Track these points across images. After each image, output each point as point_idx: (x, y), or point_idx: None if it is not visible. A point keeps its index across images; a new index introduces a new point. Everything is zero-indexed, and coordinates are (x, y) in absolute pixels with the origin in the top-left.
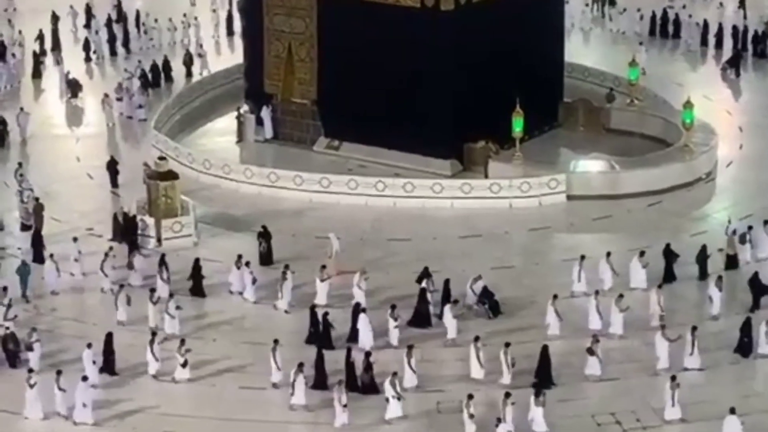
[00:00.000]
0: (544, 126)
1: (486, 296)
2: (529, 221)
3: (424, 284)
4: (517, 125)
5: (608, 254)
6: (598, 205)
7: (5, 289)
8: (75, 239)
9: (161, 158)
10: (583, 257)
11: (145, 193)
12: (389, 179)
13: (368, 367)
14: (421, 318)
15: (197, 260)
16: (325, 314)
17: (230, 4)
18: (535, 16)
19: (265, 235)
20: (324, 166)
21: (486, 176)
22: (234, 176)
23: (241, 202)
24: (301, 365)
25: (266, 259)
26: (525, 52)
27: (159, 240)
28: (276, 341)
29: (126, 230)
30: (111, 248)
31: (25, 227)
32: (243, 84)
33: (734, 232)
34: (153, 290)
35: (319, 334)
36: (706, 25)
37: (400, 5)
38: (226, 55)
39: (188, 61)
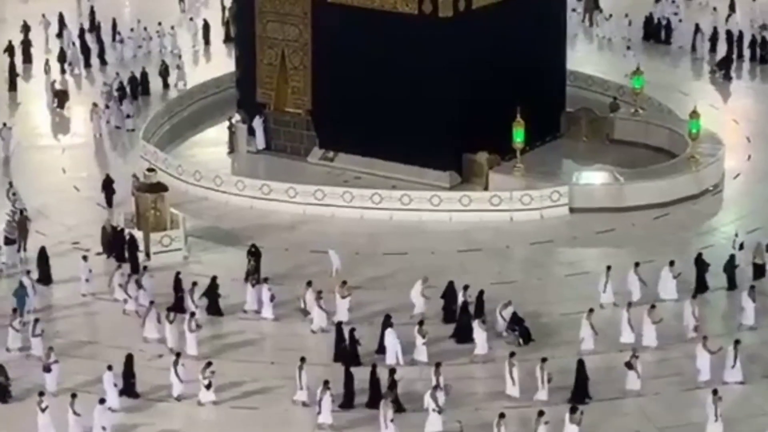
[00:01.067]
0: (545, 136)
1: (516, 323)
2: (530, 235)
3: (462, 297)
4: (518, 135)
5: (636, 264)
6: (601, 218)
7: (15, 311)
8: (85, 258)
9: (150, 170)
10: (609, 268)
11: (133, 205)
12: (386, 191)
13: (392, 384)
14: (463, 332)
15: (214, 278)
16: (352, 330)
17: (223, 11)
18: (537, 23)
19: (254, 254)
20: (318, 177)
21: (486, 188)
22: (225, 188)
23: (233, 215)
24: (326, 383)
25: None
26: (526, 60)
27: (147, 254)
28: (302, 359)
29: (114, 244)
30: (119, 266)
31: (8, 241)
32: (234, 93)
33: (759, 244)
34: (170, 309)
35: (346, 351)
36: (697, 29)
37: (397, 12)
38: (202, 66)
39: (164, 72)
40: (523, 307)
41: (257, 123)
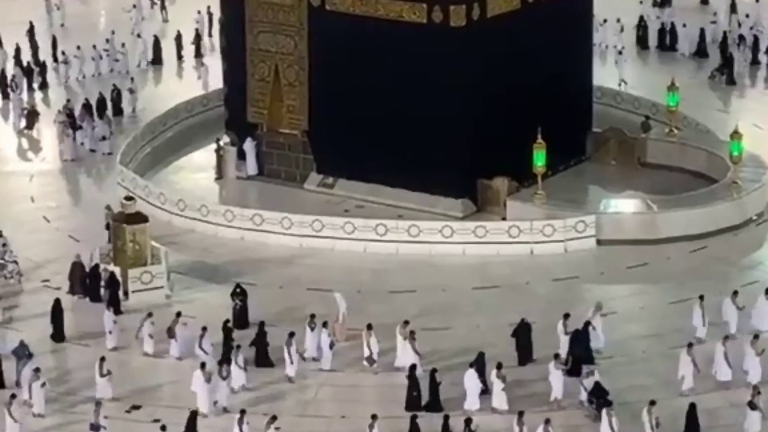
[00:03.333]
0: (570, 160)
1: (597, 394)
2: (553, 270)
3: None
4: (539, 159)
5: (735, 293)
6: (632, 252)
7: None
8: (109, 307)
9: (128, 198)
10: (702, 297)
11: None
12: (391, 222)
13: None
14: (575, 362)
15: (262, 324)
16: (434, 371)
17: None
18: (560, 33)
19: (240, 294)
20: (316, 206)
21: (503, 218)
22: (213, 219)
23: (221, 248)
24: None
25: (241, 320)
26: (548, 75)
27: (126, 293)
28: (374, 417)
29: (91, 282)
30: (150, 314)
31: None
32: (223, 112)
33: None
34: (221, 363)
35: (418, 399)
36: (702, 34)
37: (404, 21)
38: (150, 89)
39: (116, 98)
40: (544, 351)
41: (248, 145)
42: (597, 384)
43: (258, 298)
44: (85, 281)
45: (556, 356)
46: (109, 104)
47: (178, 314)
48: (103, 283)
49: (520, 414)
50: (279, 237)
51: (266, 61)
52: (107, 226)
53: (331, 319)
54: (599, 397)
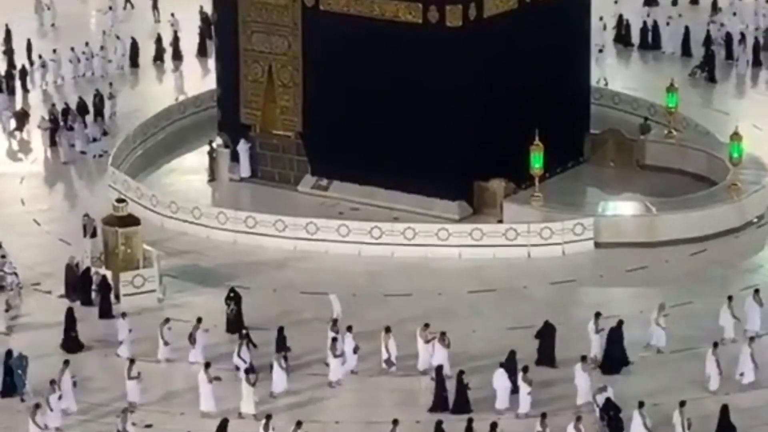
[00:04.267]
0: (567, 162)
1: (609, 410)
2: (551, 273)
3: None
4: (537, 161)
5: (756, 291)
6: (631, 255)
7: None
8: (124, 315)
9: (120, 200)
10: (730, 298)
11: (100, 241)
12: (387, 224)
13: None
14: (613, 362)
15: (281, 329)
16: (461, 373)
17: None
18: (557, 33)
19: (234, 298)
20: (310, 209)
21: (500, 220)
22: (205, 221)
23: (214, 251)
24: None
25: (234, 325)
26: (545, 75)
27: (117, 296)
28: (395, 422)
29: (82, 286)
30: (167, 320)
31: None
32: (215, 113)
33: None
34: (248, 371)
35: (443, 400)
36: (687, 32)
37: (400, 21)
38: (126, 92)
39: (99, 104)
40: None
41: (241, 147)
42: (608, 400)
43: (251, 301)
44: (76, 285)
45: (584, 358)
46: (91, 109)
47: (199, 320)
48: (94, 286)
49: (543, 416)
50: (273, 240)
51: (260, 61)
52: (85, 233)
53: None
54: (610, 413)
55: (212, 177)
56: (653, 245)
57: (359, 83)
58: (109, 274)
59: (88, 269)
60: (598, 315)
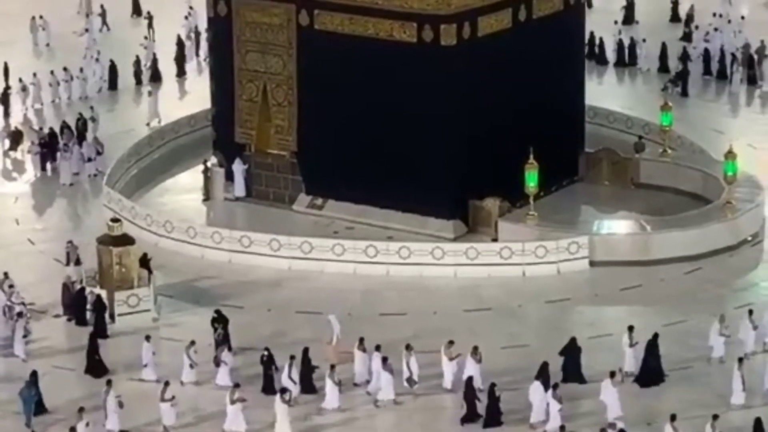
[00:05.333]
0: (562, 180)
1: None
2: (546, 292)
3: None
4: (531, 179)
5: (751, 312)
6: (626, 273)
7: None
8: (148, 338)
9: (114, 220)
10: (751, 312)
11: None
12: (381, 243)
13: None
14: (651, 374)
15: (306, 350)
16: (493, 385)
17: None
18: (552, 52)
19: (220, 320)
20: (305, 228)
21: (495, 239)
22: (200, 241)
23: (209, 271)
24: None
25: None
26: (540, 94)
27: (112, 316)
28: None
29: (77, 304)
30: (192, 342)
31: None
32: (210, 132)
33: None
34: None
35: (474, 413)
36: (664, 49)
37: (394, 40)
38: (106, 117)
39: (82, 128)
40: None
41: (236, 166)
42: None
43: (245, 321)
44: (70, 304)
45: (612, 374)
46: (75, 132)
47: (225, 341)
48: (89, 306)
49: (562, 429)
50: (267, 259)
51: (254, 81)
52: (68, 261)
53: (324, 341)
54: None
55: (207, 196)
56: (648, 264)
57: (354, 102)
58: (103, 293)
59: (82, 289)
60: (631, 328)
